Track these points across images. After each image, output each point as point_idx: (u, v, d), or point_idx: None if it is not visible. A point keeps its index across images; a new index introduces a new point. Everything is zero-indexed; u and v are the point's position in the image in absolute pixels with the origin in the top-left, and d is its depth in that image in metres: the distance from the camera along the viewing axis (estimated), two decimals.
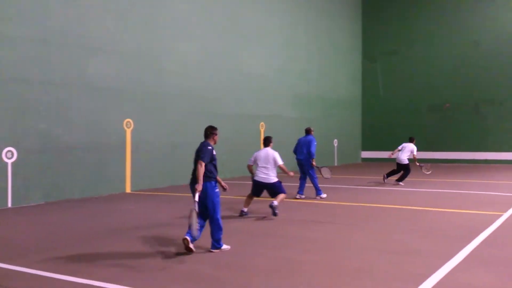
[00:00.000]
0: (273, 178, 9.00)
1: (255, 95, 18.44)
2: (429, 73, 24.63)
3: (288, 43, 20.50)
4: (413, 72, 25.09)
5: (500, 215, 8.65)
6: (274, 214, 8.70)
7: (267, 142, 9.48)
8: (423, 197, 11.60)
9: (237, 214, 9.10)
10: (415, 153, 14.34)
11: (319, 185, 11.51)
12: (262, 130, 18.68)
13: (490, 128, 23.01)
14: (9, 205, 10.46)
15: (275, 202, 8.71)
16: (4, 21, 10.52)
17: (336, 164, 23.83)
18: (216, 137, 6.82)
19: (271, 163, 9.07)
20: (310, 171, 11.49)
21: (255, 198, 9.38)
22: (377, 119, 26.03)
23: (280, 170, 9.22)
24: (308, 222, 8.39)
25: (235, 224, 8.20)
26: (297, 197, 11.50)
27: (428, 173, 15.26)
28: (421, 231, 7.52)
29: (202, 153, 6.42)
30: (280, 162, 9.09)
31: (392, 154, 14.93)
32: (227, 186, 6.98)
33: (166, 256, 6.10)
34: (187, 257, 5.99)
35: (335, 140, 23.77)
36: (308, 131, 12.04)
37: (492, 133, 22.90)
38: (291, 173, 9.28)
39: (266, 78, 19.06)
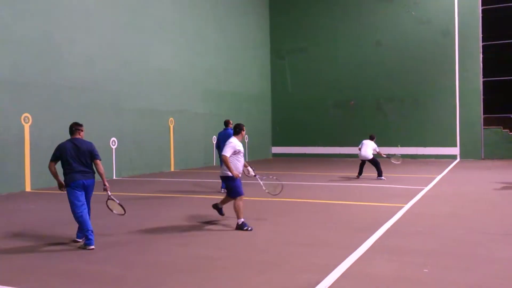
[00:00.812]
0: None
1: (163, 90, 18.04)
2: (334, 70, 25.64)
3: (196, 37, 20.26)
4: (319, 69, 25.97)
5: (401, 207, 9.20)
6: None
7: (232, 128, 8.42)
8: (331, 191, 12.04)
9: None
10: (377, 149, 14.75)
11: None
12: (171, 126, 18.34)
13: (391, 124, 24.48)
14: None
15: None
16: None
17: (247, 160, 24.05)
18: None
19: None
20: None
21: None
22: (286, 115, 26.65)
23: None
24: (218, 218, 8.34)
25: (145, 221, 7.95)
26: (222, 191, 11.31)
27: (397, 163, 15.85)
28: (329, 223, 7.79)
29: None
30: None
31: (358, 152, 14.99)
32: None
33: (67, 256, 5.74)
34: (89, 256, 5.68)
35: (246, 135, 23.96)
36: (227, 124, 11.75)
37: (393, 129, 24.38)
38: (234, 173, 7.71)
39: (174, 73, 18.71)
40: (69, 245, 6.42)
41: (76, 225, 6.51)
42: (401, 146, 23.62)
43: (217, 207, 8.13)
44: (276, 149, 26.90)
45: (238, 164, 7.53)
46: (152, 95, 17.45)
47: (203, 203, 10.10)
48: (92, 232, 6.21)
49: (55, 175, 6.48)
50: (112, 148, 15.48)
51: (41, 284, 4.83)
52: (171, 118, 18.37)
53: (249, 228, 7.22)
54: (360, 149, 14.75)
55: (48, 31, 13.30)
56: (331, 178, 14.80)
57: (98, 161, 6.54)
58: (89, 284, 4.79)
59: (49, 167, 6.45)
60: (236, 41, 23.50)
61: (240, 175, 7.47)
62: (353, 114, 25.29)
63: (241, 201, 7.39)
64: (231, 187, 7.44)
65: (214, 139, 21.10)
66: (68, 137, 6.78)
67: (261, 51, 26.32)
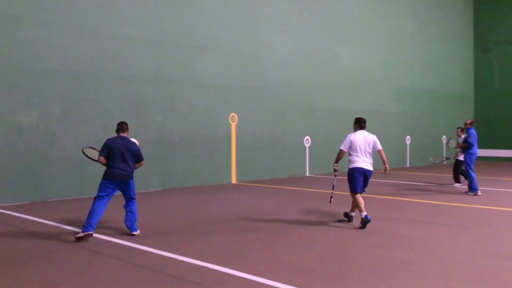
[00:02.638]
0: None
1: (354, 90, 18.18)
2: None
3: (389, 34, 19.86)
4: None
5: None
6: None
7: (362, 123, 8.03)
8: None
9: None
10: None
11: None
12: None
13: None
14: None
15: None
16: (121, 23, 11.50)
17: (445, 162, 22.72)
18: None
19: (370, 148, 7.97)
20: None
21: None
22: (492, 115, 24.30)
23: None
24: (416, 222, 8.22)
25: (340, 221, 8.29)
26: (479, 193, 11.38)
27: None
28: None
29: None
30: (380, 146, 8.02)
31: None
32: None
33: (270, 244, 6.38)
34: (289, 248, 6.21)
35: (444, 136, 22.66)
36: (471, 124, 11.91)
37: None
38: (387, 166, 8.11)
39: (366, 72, 18.70)
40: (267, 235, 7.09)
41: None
42: None
43: (365, 223, 7.51)
44: (480, 152, 24.72)
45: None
46: (343, 95, 17.78)
47: (399, 205, 10.03)
48: (88, 225, 6.57)
49: None
50: (306, 147, 16.30)
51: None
52: None
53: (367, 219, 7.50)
54: None
55: (250, 38, 14.64)
56: None
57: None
58: (277, 273, 5.27)
59: None
60: (434, 35, 22.34)
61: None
62: None
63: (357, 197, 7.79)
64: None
65: (408, 139, 20.49)
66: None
67: (462, 45, 24.51)
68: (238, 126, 14.14)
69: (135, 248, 6.19)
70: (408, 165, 20.53)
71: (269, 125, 15.06)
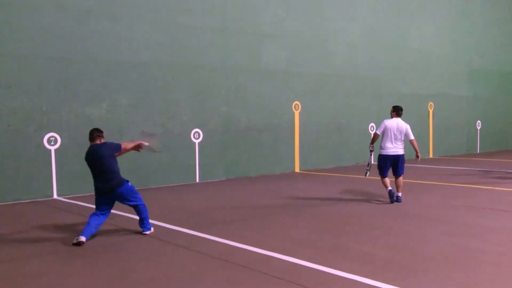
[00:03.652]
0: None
1: (422, 72, 17.55)
2: None
3: (460, 14, 18.92)
4: None
5: None
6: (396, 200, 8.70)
7: (399, 111, 8.86)
8: None
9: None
10: None
11: None
12: (430, 111, 17.77)
13: None
14: (197, 180, 11.86)
15: (400, 194, 8.75)
16: (187, 13, 11.71)
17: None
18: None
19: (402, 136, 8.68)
20: None
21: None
22: None
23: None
24: (488, 210, 7.90)
25: (404, 207, 8.13)
26: None
27: None
28: None
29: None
30: (412, 136, 8.80)
31: None
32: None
33: (338, 234, 6.37)
34: (357, 236, 6.18)
35: None
36: None
37: None
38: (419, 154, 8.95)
39: (435, 54, 17.97)
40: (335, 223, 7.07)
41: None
42: None
43: (392, 196, 8.52)
44: None
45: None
46: (411, 78, 17.22)
47: (469, 193, 9.66)
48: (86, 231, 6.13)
49: None
50: (371, 133, 15.99)
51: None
52: (430, 102, 17.81)
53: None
54: None
55: (315, 23, 14.45)
56: None
57: None
58: (348, 262, 5.26)
59: None
60: (506, 14, 21.05)
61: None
62: None
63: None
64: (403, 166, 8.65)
65: (479, 124, 19.58)
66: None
67: None
68: (301, 114, 14.10)
69: (202, 238, 6.36)
70: (478, 151, 19.62)
71: (334, 112, 14.89)
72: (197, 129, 11.80)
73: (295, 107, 13.97)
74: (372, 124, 15.97)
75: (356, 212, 7.89)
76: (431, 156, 17.87)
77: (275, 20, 13.48)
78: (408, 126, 8.70)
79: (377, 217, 7.53)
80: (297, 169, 14.01)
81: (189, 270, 5.06)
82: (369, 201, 8.91)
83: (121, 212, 7.87)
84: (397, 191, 8.66)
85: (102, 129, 6.95)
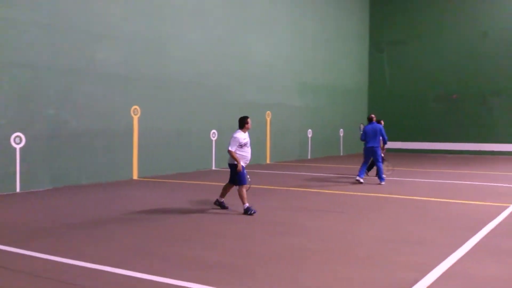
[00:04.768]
0: None
1: (261, 84, 18.45)
2: (436, 63, 24.50)
3: (295, 31, 20.42)
4: (420, 62, 24.96)
5: (507, 207, 8.66)
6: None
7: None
8: (428, 187, 11.62)
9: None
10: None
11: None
12: (268, 119, 18.70)
13: (496, 120, 22.92)
14: (18, 190, 10.56)
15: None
16: (8, 5, 10.47)
17: (341, 154, 23.85)
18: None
19: None
20: (379, 158, 12.16)
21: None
22: (383, 109, 25.94)
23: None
24: (316, 212, 8.44)
25: (237, 213, 8.27)
26: (362, 180, 12.15)
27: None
28: (428, 221, 7.55)
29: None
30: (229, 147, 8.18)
31: None
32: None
33: (173, 242, 6.17)
34: (194, 244, 6.06)
35: (341, 129, 23.77)
36: (372, 119, 12.51)
37: (498, 125, 22.81)
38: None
39: (273, 66, 19.06)
40: (167, 226, 6.87)
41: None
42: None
43: (219, 202, 8.54)
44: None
45: (246, 155, 8.22)
46: (252, 88, 17.92)
47: (298, 195, 10.24)
48: None
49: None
50: (213, 140, 16.16)
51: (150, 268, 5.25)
52: (268, 112, 18.73)
53: (253, 212, 7.90)
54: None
55: (157, 27, 14.13)
56: (429, 175, 14.23)
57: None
58: (189, 270, 5.11)
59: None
60: (334, 34, 23.31)
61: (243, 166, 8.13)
62: (455, 108, 24.01)
63: (244, 189, 8.07)
64: (236, 176, 8.10)
65: (310, 133, 21.16)
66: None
67: (359, 44, 25.87)
68: (141, 119, 13.61)
69: (20, 254, 5.61)
70: (309, 157, 21.22)
71: (176, 118, 14.67)
72: (18, 133, 10.56)
73: (134, 111, 13.44)
74: (214, 130, 16.14)
75: (195, 219, 7.77)
76: (268, 162, 18.75)
77: (113, 20, 12.83)
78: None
79: (213, 223, 7.50)
80: (135, 176, 13.45)
81: None
82: (208, 207, 8.87)
83: None
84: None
85: None
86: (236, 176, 8.16)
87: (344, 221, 7.58)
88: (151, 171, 13.90)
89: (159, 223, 7.38)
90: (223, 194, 8.57)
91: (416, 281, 4.61)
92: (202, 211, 8.39)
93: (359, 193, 10.51)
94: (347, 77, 24.60)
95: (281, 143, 19.47)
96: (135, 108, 13.48)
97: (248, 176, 8.48)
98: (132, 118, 13.39)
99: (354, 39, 25.35)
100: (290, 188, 11.37)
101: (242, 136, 8.15)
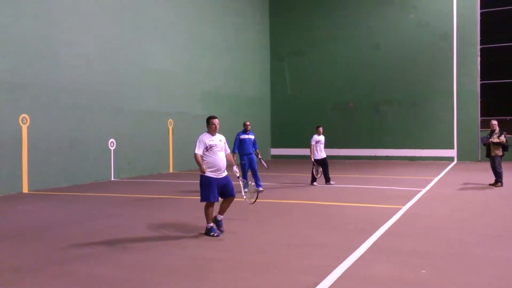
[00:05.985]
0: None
1: (162, 91, 18.05)
2: (333, 73, 25.68)
3: (195, 39, 20.26)
4: (318, 71, 26.01)
5: (400, 208, 9.20)
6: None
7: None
8: (327, 192, 12.04)
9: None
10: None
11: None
12: (170, 127, 18.34)
13: (389, 126, 24.52)
14: None
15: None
16: None
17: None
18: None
19: None
20: (255, 165, 12.19)
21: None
22: (285, 117, 26.70)
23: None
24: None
25: (143, 223, 7.94)
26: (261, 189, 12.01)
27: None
28: (326, 225, 7.78)
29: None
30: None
31: None
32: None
33: (62, 258, 5.73)
34: (88, 258, 5.68)
35: None
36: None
37: (391, 131, 24.42)
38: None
39: (173, 75, 18.73)
40: (66, 248, 6.41)
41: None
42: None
43: (216, 221, 7.30)
44: (275, 151, 26.93)
45: (213, 161, 7.01)
46: (151, 96, 17.45)
47: (201, 205, 10.08)
48: None
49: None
50: (111, 150, 15.47)
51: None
52: (170, 120, 18.36)
53: (216, 234, 6.88)
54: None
55: (47, 32, 13.29)
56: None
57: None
58: (89, 286, 4.78)
59: None
60: (236, 43, 23.51)
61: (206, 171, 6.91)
62: (352, 116, 25.33)
63: (211, 207, 7.02)
64: (200, 187, 7.04)
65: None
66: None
67: (261, 53, 26.34)
68: (30, 129, 12.64)
69: None
70: None
71: (68, 127, 13.82)
72: None
73: (22, 120, 12.45)
74: (112, 139, 15.46)
75: (90, 232, 7.30)
76: (171, 171, 18.36)
77: None
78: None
79: (112, 236, 7.11)
80: (25, 190, 12.44)
81: None
82: (106, 220, 8.41)
83: None
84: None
85: None
86: (200, 187, 7.05)
87: (245, 228, 7.57)
88: (43, 183, 12.95)
89: (50, 237, 6.83)
90: (220, 211, 7.31)
91: (315, 284, 4.68)
92: (96, 224, 7.92)
93: (260, 200, 10.60)
94: (250, 86, 24.94)
95: (184, 152, 19.18)
96: (24, 117, 12.52)
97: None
98: (20, 127, 12.40)
99: (256, 48, 25.79)
100: (193, 198, 11.18)
101: (208, 138, 7.16)
